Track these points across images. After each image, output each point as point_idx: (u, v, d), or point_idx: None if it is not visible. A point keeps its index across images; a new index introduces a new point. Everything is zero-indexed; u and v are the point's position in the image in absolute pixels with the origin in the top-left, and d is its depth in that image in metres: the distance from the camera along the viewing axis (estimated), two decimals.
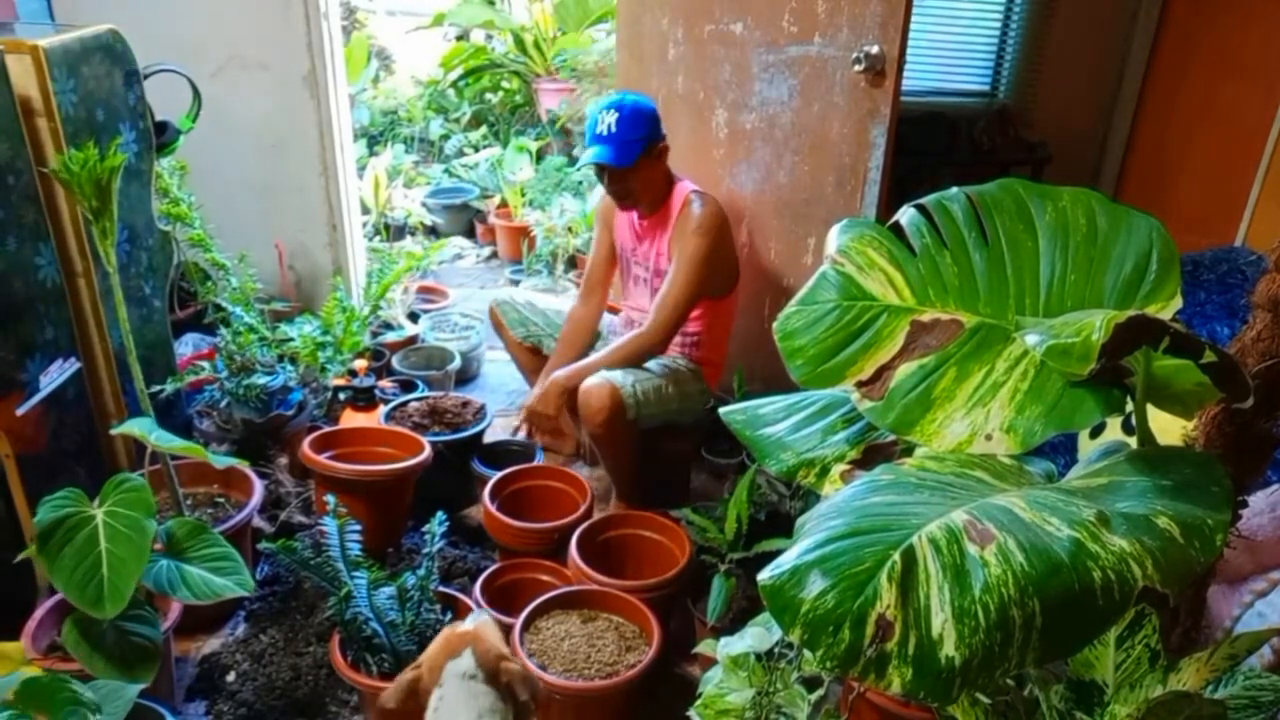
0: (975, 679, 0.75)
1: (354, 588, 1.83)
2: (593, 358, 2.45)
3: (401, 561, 2.35)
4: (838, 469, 1.19)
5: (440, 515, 2.00)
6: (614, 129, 2.34)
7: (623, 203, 2.50)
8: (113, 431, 1.84)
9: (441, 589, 2.03)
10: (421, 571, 1.93)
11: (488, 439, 2.73)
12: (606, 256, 2.71)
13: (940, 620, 0.76)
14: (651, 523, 2.29)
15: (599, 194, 2.71)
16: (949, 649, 0.75)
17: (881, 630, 0.76)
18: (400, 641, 1.84)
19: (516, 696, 1.34)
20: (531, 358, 2.77)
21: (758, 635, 1.56)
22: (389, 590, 1.88)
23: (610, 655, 1.93)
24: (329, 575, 1.87)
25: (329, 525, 1.88)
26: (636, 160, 2.37)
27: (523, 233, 4.45)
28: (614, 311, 2.81)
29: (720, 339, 2.58)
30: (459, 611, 1.97)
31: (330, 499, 1.94)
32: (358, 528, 1.91)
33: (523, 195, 4.62)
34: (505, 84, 5.56)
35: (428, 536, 1.97)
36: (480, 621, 1.42)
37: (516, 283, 4.28)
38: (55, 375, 2.02)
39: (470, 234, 4.87)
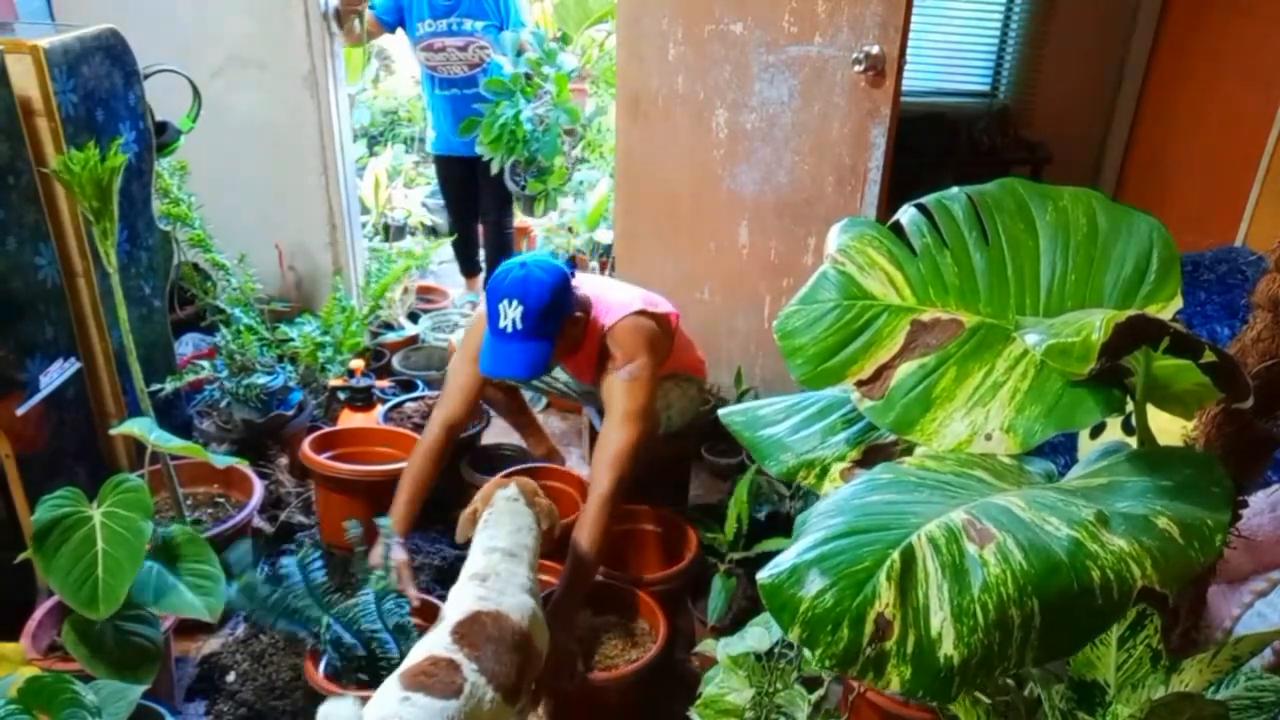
0: (974, 678, 0.75)
1: (330, 621, 1.79)
2: (577, 559, 1.90)
3: None
4: (838, 468, 1.18)
5: (386, 520, 1.98)
6: (519, 325, 1.90)
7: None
8: (112, 431, 1.84)
9: (424, 595, 1.99)
10: (381, 573, 1.90)
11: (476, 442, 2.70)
12: (473, 387, 2.14)
13: (939, 619, 0.76)
14: (656, 518, 2.29)
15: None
16: (948, 648, 0.75)
17: (880, 629, 0.76)
18: (389, 648, 1.81)
19: (540, 523, 1.75)
20: (504, 395, 2.53)
21: (758, 635, 1.56)
22: (365, 600, 1.84)
23: (615, 649, 1.94)
24: (302, 619, 1.81)
25: (289, 567, 1.82)
26: (550, 360, 1.99)
27: (523, 233, 4.45)
28: None
29: (686, 347, 2.39)
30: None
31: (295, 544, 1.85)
32: (318, 554, 1.87)
33: None
34: None
35: (382, 536, 1.95)
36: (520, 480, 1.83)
37: None
38: (55, 375, 2.02)
39: None
